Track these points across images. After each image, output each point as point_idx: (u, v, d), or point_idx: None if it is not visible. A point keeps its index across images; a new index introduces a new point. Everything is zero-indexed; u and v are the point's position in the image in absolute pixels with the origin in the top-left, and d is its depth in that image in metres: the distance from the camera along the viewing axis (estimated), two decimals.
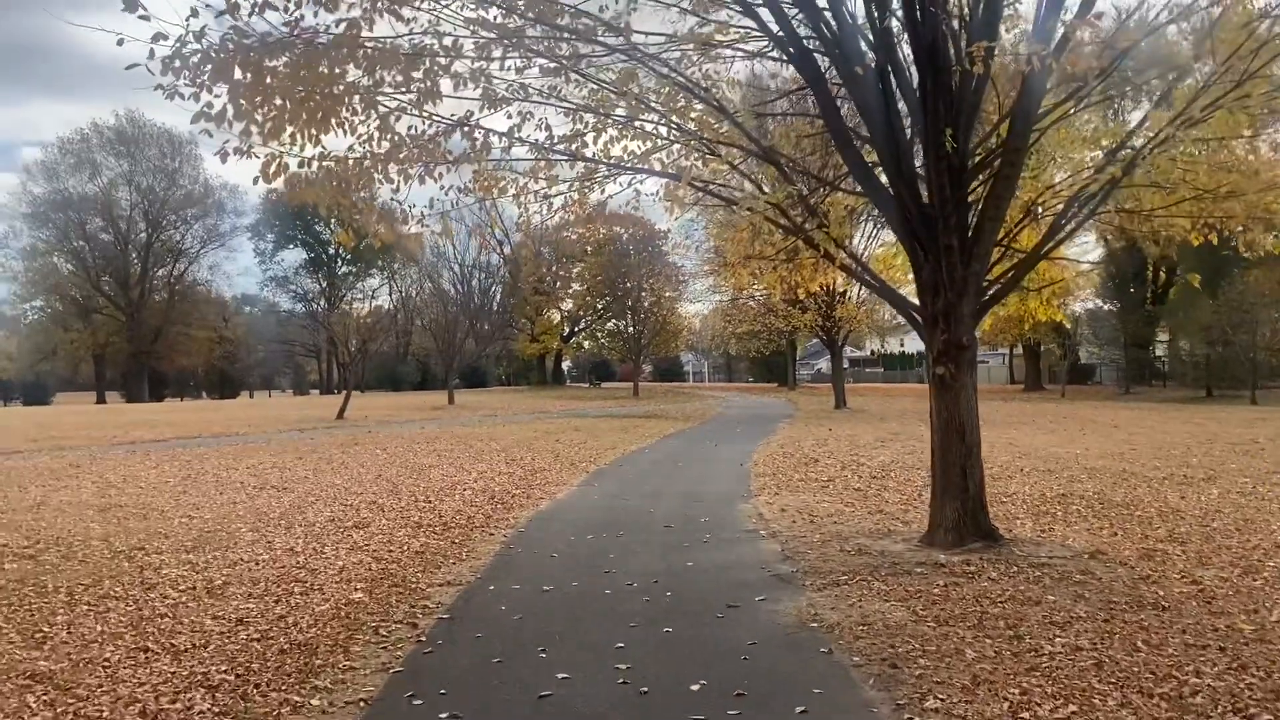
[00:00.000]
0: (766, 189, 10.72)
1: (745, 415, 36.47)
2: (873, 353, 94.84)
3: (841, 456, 18.72)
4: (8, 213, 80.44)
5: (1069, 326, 58.42)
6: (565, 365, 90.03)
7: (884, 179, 9.69)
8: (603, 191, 10.90)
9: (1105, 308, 57.60)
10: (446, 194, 9.20)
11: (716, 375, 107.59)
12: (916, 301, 9.97)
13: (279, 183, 8.36)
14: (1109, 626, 6.88)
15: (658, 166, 9.82)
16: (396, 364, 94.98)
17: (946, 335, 9.41)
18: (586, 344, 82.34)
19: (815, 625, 7.09)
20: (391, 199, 8.89)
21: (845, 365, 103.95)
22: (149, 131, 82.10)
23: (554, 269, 77.01)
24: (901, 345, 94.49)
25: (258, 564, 9.58)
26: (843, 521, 11.50)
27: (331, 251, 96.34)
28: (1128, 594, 7.86)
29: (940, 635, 6.68)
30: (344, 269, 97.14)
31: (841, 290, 38.47)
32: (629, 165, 9.75)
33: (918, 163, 9.73)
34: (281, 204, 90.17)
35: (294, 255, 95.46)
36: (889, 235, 33.17)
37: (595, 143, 9.25)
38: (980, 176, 9.71)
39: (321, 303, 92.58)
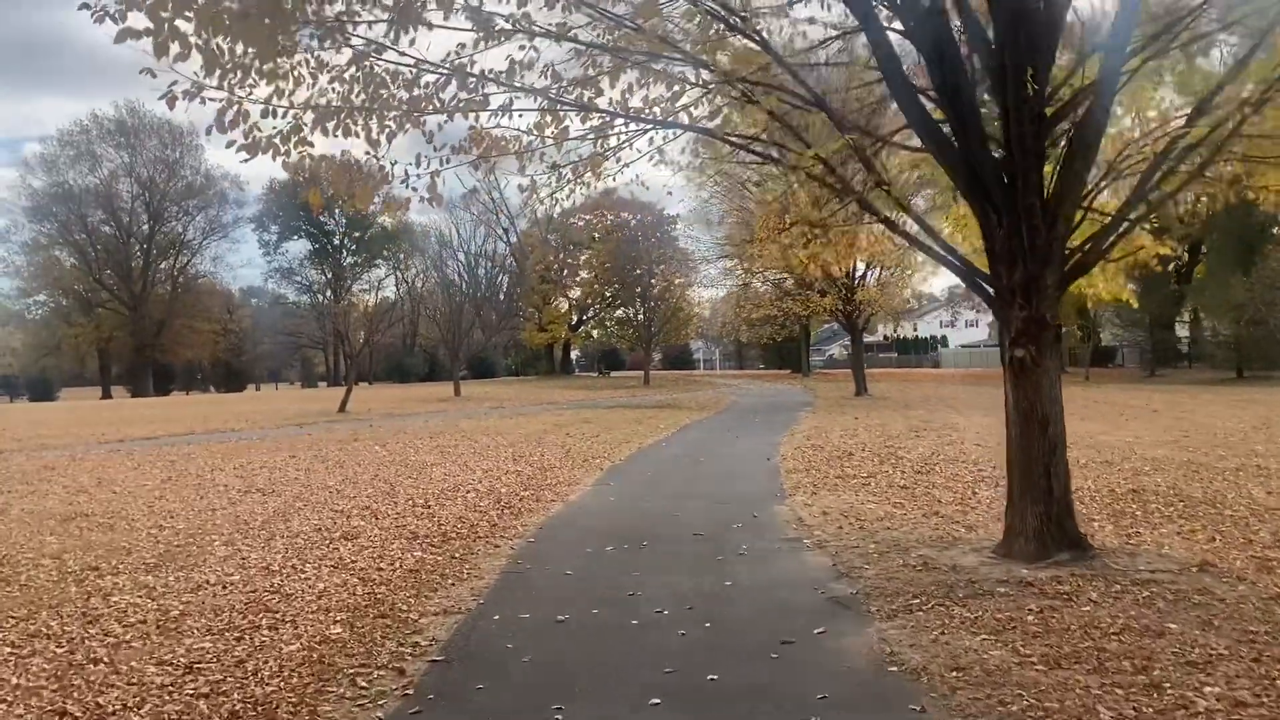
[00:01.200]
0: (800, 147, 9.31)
1: (763, 404, 35.06)
2: (885, 338, 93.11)
3: (876, 449, 17.32)
4: (9, 207, 79.27)
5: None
6: (574, 355, 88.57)
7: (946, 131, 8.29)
8: (618, 160, 9.55)
9: (1128, 288, 55.92)
10: (438, 152, 7.82)
11: (727, 363, 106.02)
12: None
13: (237, 134, 7.02)
14: (1261, 668, 5.50)
15: (684, 119, 8.43)
16: (403, 355, 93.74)
17: (1027, 311, 8.01)
18: (595, 333, 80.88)
19: (895, 669, 5.72)
20: (368, 155, 7.50)
21: None
22: (149, 122, 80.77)
23: (561, 256, 75.58)
24: (915, 330, 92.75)
25: (225, 587, 8.25)
26: (896, 527, 10.11)
27: (337, 242, 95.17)
28: (1263, 619, 6.47)
29: (1058, 684, 5.31)
30: (349, 259, 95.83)
31: (861, 273, 37.00)
32: (651, 119, 8.36)
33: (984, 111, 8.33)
34: (285, 194, 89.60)
35: (298, 246, 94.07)
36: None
37: (612, 88, 7.85)
38: (1061, 125, 8.32)
39: (327, 294, 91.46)
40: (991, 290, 8.41)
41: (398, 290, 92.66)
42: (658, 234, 66.02)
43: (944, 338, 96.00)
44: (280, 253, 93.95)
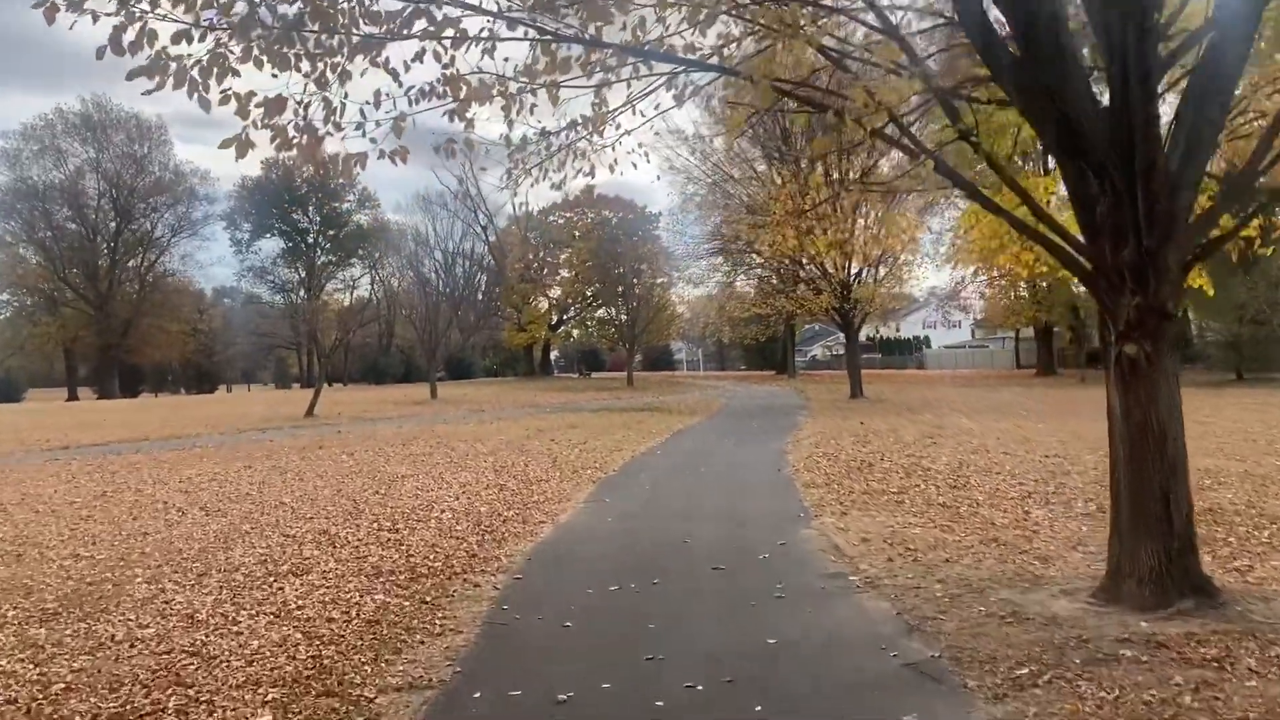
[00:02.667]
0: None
1: (755, 407, 33.44)
2: (869, 338, 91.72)
3: (896, 458, 15.70)
4: None
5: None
6: (553, 355, 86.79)
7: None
8: (617, 126, 7.99)
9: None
10: (404, 91, 6.14)
11: (709, 364, 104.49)
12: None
13: (141, 57, 5.35)
14: None
15: (714, 62, 6.77)
16: (379, 356, 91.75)
17: (1141, 298, 6.41)
18: (575, 333, 79.13)
19: None
20: (306, 93, 5.80)
21: (840, 352, 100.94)
22: (116, 116, 78.61)
23: (541, 255, 73.83)
24: (897, 330, 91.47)
25: (134, 645, 6.51)
26: (955, 558, 8.47)
27: (311, 240, 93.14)
28: None
29: None
30: (323, 258, 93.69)
31: (858, 270, 35.45)
32: (673, 57, 6.70)
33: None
34: (259, 190, 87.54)
35: (271, 245, 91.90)
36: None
37: (625, 13, 6.18)
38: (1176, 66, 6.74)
39: (301, 293, 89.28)
40: (1090, 267, 6.79)
41: (373, 289, 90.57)
42: (640, 232, 64.45)
43: (927, 338, 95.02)
44: (253, 251, 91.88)
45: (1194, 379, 44.61)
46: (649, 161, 9.68)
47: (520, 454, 17.98)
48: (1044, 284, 53.01)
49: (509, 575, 8.33)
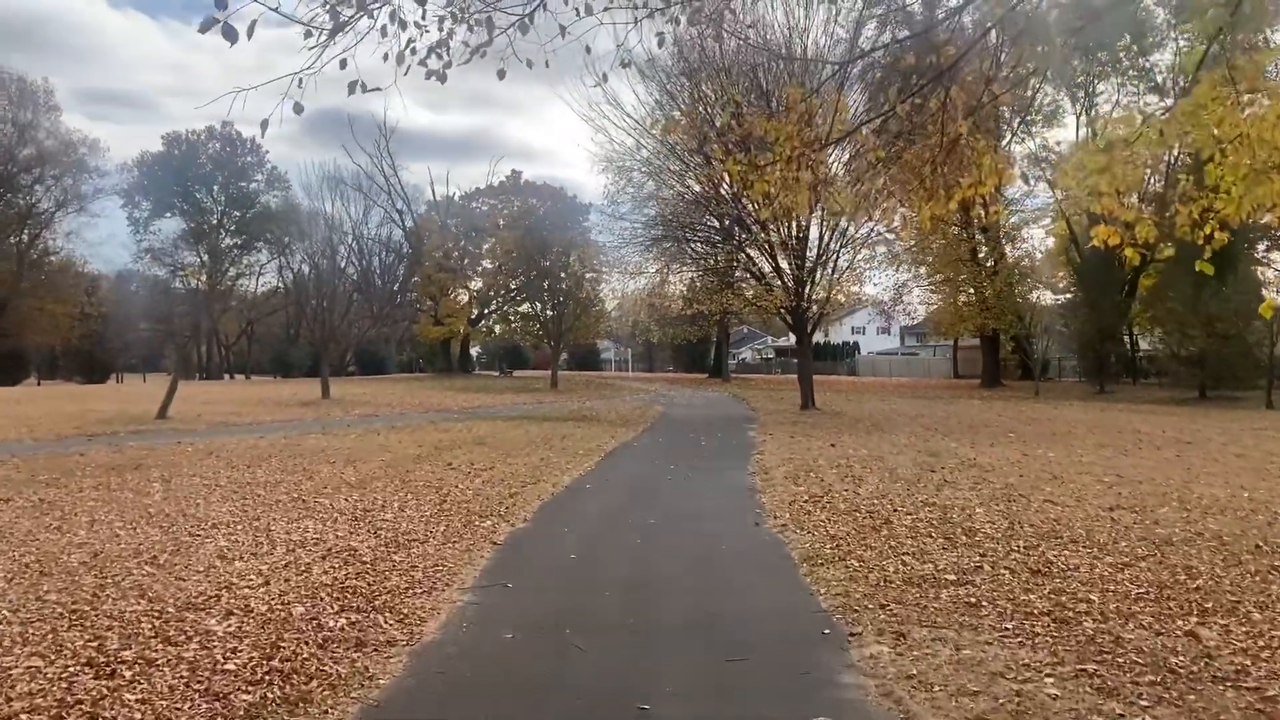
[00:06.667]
0: None
1: (697, 418, 29.16)
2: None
3: (911, 508, 11.43)
4: None
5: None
6: (474, 351, 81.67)
7: None
8: None
9: (1071, 299, 52.70)
10: None
11: (637, 364, 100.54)
12: None
13: None
14: None
15: None
16: (287, 347, 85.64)
17: None
18: (497, 328, 74.17)
19: None
20: None
21: (770, 356, 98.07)
22: None
23: (461, 244, 68.70)
24: (826, 336, 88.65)
25: None
26: None
27: (215, 221, 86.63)
28: None
29: None
30: (228, 241, 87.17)
31: (811, 267, 31.50)
32: None
33: None
34: (159, 165, 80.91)
35: (172, 225, 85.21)
36: None
37: None
38: None
39: (202, 278, 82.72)
40: None
41: (280, 276, 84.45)
42: (569, 222, 59.86)
43: (857, 344, 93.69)
44: (151, 231, 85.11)
45: (1157, 396, 41.55)
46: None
47: (400, 486, 13.34)
48: (993, 291, 50.17)
49: None
